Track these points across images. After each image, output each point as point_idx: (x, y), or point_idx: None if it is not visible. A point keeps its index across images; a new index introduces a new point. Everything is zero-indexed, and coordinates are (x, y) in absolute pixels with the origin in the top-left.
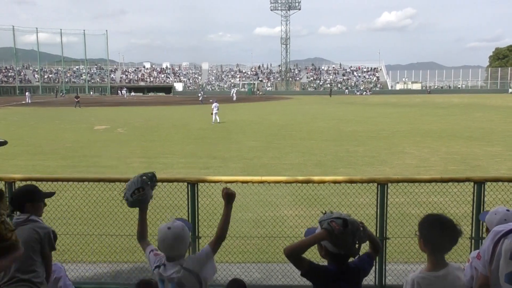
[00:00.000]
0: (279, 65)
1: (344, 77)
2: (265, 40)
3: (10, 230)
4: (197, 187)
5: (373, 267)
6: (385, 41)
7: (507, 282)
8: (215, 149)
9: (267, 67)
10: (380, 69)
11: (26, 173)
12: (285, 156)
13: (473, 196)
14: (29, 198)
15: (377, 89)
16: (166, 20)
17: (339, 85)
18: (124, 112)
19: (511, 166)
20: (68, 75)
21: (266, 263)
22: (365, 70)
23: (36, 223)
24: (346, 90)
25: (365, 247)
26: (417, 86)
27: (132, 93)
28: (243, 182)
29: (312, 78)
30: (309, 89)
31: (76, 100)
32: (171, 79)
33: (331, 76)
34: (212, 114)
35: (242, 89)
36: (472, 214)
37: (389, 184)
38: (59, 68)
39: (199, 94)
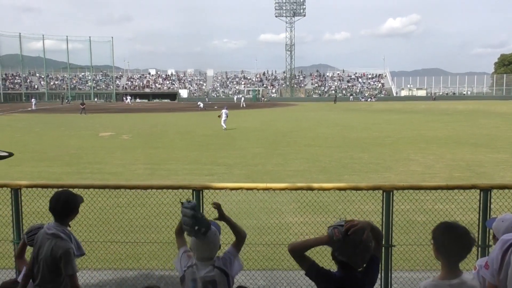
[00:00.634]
0: (284, 72)
1: (349, 84)
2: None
3: None
4: (202, 194)
5: (379, 275)
6: (390, 47)
7: None
8: (219, 156)
9: (272, 73)
10: (385, 76)
11: (31, 179)
12: (290, 163)
13: (479, 203)
14: (76, 208)
15: (382, 95)
16: (171, 26)
17: (343, 91)
18: (129, 119)
19: None
20: (74, 81)
21: (271, 270)
22: (369, 76)
23: (57, 240)
24: (351, 97)
25: None
26: (422, 93)
27: (138, 100)
28: (248, 189)
29: (316, 85)
30: (313, 96)
31: (82, 106)
32: (176, 85)
33: (335, 83)
34: (220, 119)
35: (247, 96)
36: (479, 222)
37: (395, 191)
38: (65, 75)
39: (199, 103)
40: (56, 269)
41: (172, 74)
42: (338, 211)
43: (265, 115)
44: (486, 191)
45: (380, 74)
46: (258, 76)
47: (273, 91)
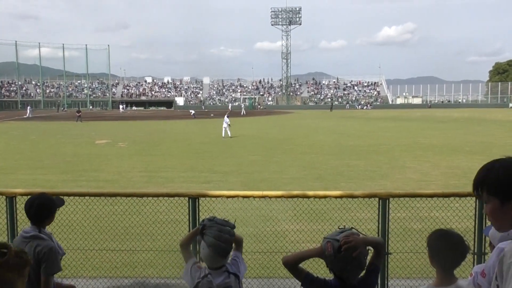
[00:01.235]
0: (280, 80)
1: (345, 92)
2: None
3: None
4: (198, 201)
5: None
6: (386, 55)
7: None
8: (215, 163)
9: (268, 81)
10: (381, 84)
11: (27, 187)
12: (286, 170)
13: (475, 211)
14: (50, 212)
15: (378, 103)
16: (167, 34)
17: (339, 99)
18: (125, 127)
19: None
20: (70, 89)
21: (268, 278)
22: (365, 84)
23: (39, 241)
24: (347, 105)
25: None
26: (417, 101)
27: (134, 108)
28: (244, 196)
29: (313, 93)
30: (310, 104)
31: (78, 114)
32: (172, 93)
33: (331, 91)
34: (225, 128)
35: (242, 104)
36: (475, 229)
37: (391, 199)
38: (61, 83)
39: (191, 110)
40: (39, 272)
41: (168, 82)
42: (334, 219)
43: (261, 123)
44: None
45: (375, 82)
46: (254, 84)
47: (269, 99)
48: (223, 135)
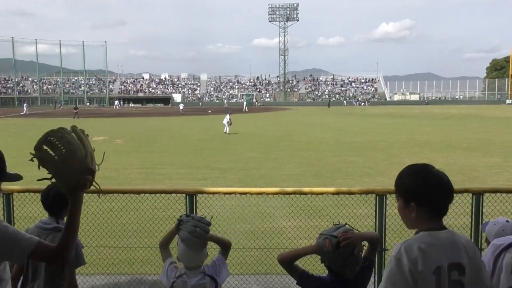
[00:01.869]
0: (278, 76)
1: (342, 88)
2: (263, 51)
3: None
4: (196, 198)
5: (372, 279)
6: (383, 52)
7: None
8: (213, 160)
9: (266, 78)
10: (378, 80)
11: (23, 184)
12: (283, 167)
13: (472, 207)
14: (66, 203)
15: (375, 100)
16: (165, 31)
17: (337, 96)
18: (123, 123)
19: (510, 177)
20: (67, 86)
21: (265, 274)
22: (363, 81)
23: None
24: (345, 101)
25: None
26: (415, 97)
27: (131, 104)
28: (241, 193)
29: (310, 89)
30: (307, 100)
31: (75, 111)
32: (169, 90)
33: (329, 87)
34: (228, 124)
35: (240, 100)
36: (471, 226)
37: (388, 195)
38: (58, 79)
39: (180, 105)
40: (63, 266)
41: (165, 78)
42: (331, 215)
43: (259, 120)
44: (478, 195)
45: (373, 79)
46: (252, 80)
47: (267, 95)
48: (224, 131)
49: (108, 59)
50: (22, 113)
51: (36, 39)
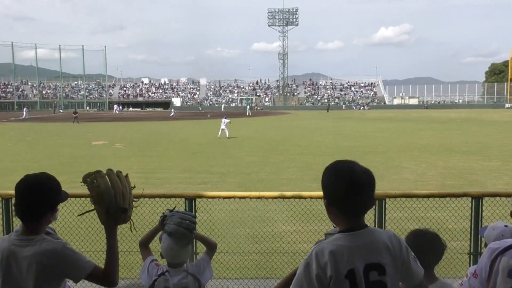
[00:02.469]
0: (277, 80)
1: (342, 92)
2: (263, 56)
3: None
4: (195, 202)
5: None
6: (382, 56)
7: None
8: (212, 164)
9: (265, 82)
10: (377, 84)
11: None
12: (283, 171)
13: (471, 211)
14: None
15: (374, 104)
16: (164, 35)
17: (336, 100)
18: (122, 128)
19: (509, 181)
20: (67, 90)
21: (264, 278)
22: (362, 85)
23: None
24: (344, 105)
25: None
26: (414, 101)
27: (131, 109)
28: (241, 197)
29: (309, 93)
30: (306, 104)
31: (74, 115)
32: (169, 94)
33: (328, 91)
34: (222, 129)
35: (239, 105)
36: (470, 229)
37: (387, 199)
38: (58, 84)
39: (172, 110)
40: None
41: (165, 82)
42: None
43: (258, 124)
44: (477, 198)
45: (372, 83)
46: (251, 84)
47: (266, 99)
48: (227, 136)
49: (107, 63)
50: (21, 118)
51: (35, 44)
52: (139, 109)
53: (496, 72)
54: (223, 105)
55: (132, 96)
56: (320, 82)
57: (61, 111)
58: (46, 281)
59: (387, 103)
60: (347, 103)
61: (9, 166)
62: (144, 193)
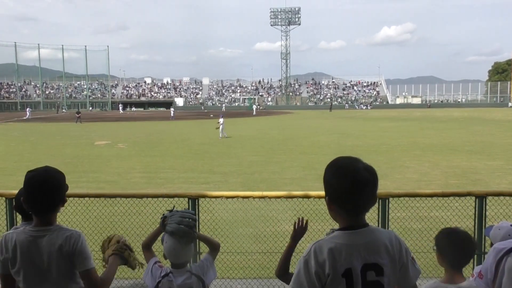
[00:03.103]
0: (280, 80)
1: (344, 92)
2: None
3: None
4: (198, 202)
5: None
6: (385, 55)
7: None
8: (215, 164)
9: (268, 81)
10: (380, 84)
11: None
12: (286, 171)
13: (475, 210)
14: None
15: (377, 103)
16: (166, 35)
17: (339, 99)
18: (125, 127)
19: None
20: (70, 90)
21: (268, 278)
22: (365, 84)
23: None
24: (346, 105)
25: None
26: (417, 100)
27: (133, 108)
28: (243, 197)
29: (312, 93)
30: (309, 104)
31: (77, 115)
32: (171, 94)
33: (331, 91)
34: (217, 128)
35: (242, 104)
36: (474, 229)
37: (390, 199)
38: (61, 84)
39: (171, 109)
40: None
41: (167, 82)
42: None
43: (261, 123)
44: (481, 198)
45: (375, 82)
46: (253, 84)
47: (269, 99)
48: (220, 136)
49: (110, 63)
50: (25, 118)
51: (38, 44)
52: (141, 109)
53: (499, 71)
54: (223, 105)
55: (135, 96)
56: (323, 82)
57: (64, 111)
58: (67, 267)
59: (390, 102)
60: (349, 102)
61: (12, 166)
62: (148, 192)
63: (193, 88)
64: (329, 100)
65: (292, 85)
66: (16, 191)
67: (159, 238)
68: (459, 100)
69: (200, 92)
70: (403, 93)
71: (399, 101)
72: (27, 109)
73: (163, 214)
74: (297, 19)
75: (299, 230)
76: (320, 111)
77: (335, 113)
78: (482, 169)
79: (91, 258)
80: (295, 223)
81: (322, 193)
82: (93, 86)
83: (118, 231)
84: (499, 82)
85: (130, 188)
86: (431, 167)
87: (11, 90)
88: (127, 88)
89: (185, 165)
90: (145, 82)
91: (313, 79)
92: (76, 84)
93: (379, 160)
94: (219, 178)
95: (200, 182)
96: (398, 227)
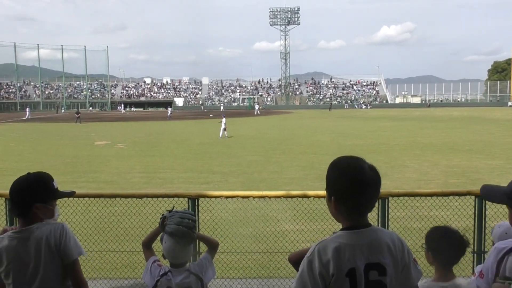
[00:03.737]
0: (279, 80)
1: (344, 91)
2: (265, 55)
3: None
4: (198, 202)
5: None
6: (384, 55)
7: None
8: (215, 164)
9: (267, 81)
10: (380, 83)
11: None
12: (285, 170)
13: (475, 209)
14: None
15: (377, 103)
16: (165, 35)
17: (338, 99)
18: (125, 128)
19: None
20: (69, 90)
21: (267, 278)
22: (364, 84)
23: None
24: (346, 104)
25: None
26: (416, 100)
27: (133, 108)
28: (243, 197)
29: (311, 92)
30: (309, 103)
31: (77, 115)
32: (171, 94)
33: (330, 90)
34: (220, 122)
35: (241, 104)
36: (474, 228)
37: (390, 198)
38: (60, 84)
39: (169, 109)
40: None
41: (167, 82)
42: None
43: (260, 123)
44: (481, 197)
45: (374, 82)
46: (253, 84)
47: (268, 99)
48: (220, 136)
49: (109, 63)
50: (24, 118)
51: (38, 44)
52: (141, 109)
53: (499, 70)
54: (222, 105)
55: (134, 96)
56: (322, 81)
57: (64, 111)
58: (57, 264)
59: (389, 101)
60: (349, 102)
61: (12, 166)
62: (148, 192)
63: (192, 88)
64: (328, 99)
65: (292, 85)
66: None
67: (159, 237)
68: (459, 99)
69: (200, 92)
70: (403, 93)
71: (398, 100)
72: (27, 109)
73: (163, 214)
74: (296, 19)
75: None
76: (320, 110)
77: (335, 112)
78: (482, 168)
79: (76, 248)
80: None
81: (320, 192)
82: (93, 86)
83: (118, 231)
84: (498, 82)
85: (130, 188)
86: (431, 167)
87: (10, 90)
88: (126, 88)
89: (185, 165)
90: (144, 82)
91: (312, 78)
92: (75, 84)
93: (378, 160)
94: (218, 178)
95: (199, 182)
96: (398, 226)
